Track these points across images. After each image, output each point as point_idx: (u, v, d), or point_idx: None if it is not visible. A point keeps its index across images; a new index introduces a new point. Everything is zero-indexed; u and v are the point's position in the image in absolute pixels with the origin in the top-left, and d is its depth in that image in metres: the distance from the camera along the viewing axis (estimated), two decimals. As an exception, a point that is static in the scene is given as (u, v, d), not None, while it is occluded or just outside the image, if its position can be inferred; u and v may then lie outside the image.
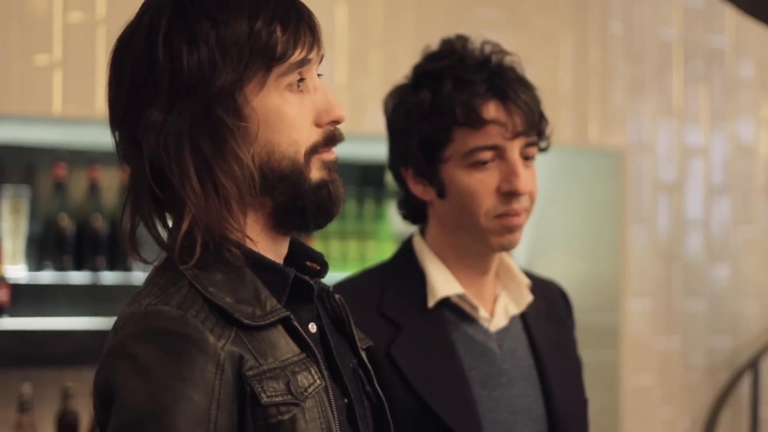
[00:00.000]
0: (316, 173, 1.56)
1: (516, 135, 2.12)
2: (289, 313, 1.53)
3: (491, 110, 2.12)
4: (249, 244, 1.53)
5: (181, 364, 1.43)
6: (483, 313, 2.18)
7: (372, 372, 1.67)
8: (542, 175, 2.20)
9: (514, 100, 2.13)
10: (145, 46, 1.52)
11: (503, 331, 2.20)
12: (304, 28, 1.55)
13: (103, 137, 3.99)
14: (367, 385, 1.66)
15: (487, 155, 2.12)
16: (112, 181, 4.08)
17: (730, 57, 5.01)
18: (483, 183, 2.13)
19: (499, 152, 2.13)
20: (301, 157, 1.54)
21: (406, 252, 2.24)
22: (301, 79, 1.56)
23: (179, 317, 1.45)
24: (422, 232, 2.24)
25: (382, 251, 4.28)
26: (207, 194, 1.49)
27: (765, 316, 5.12)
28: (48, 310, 3.93)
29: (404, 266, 2.21)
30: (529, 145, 2.15)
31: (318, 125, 1.57)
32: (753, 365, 4.98)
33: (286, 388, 1.47)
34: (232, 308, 1.48)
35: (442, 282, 2.17)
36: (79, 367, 3.92)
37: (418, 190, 2.19)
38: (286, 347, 1.51)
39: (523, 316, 2.24)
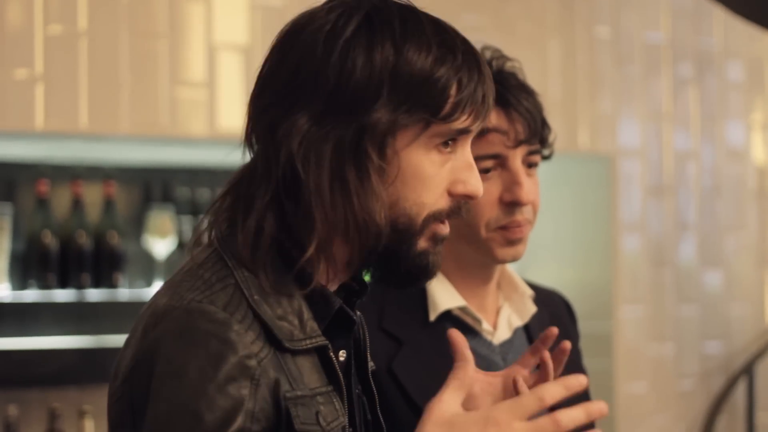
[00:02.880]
0: (423, 243, 1.49)
1: (518, 143, 2.06)
2: (327, 342, 1.46)
3: (492, 118, 2.06)
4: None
5: (218, 371, 1.36)
6: (486, 326, 2.12)
7: (376, 399, 1.61)
8: (533, 181, 2.16)
9: (516, 107, 2.07)
10: (322, 43, 1.43)
11: (507, 344, 2.15)
12: (480, 95, 1.46)
13: (86, 152, 3.96)
14: (368, 414, 1.60)
15: (488, 164, 2.06)
16: (95, 197, 4.03)
17: (720, 59, 4.97)
18: (484, 193, 2.07)
19: (501, 161, 2.07)
20: (419, 221, 1.47)
21: (405, 265, 2.18)
22: (453, 140, 1.48)
23: (224, 321, 1.38)
24: (422, 244, 2.18)
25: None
26: (336, 220, 1.43)
27: (758, 320, 5.09)
28: (33, 329, 3.87)
29: (404, 280, 2.16)
30: (531, 153, 2.09)
31: (450, 194, 1.49)
32: (747, 371, 4.94)
33: (315, 419, 1.41)
34: (275, 326, 1.42)
35: (444, 295, 2.10)
36: (65, 386, 3.88)
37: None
38: (315, 376, 1.45)
39: (527, 328, 2.19)
